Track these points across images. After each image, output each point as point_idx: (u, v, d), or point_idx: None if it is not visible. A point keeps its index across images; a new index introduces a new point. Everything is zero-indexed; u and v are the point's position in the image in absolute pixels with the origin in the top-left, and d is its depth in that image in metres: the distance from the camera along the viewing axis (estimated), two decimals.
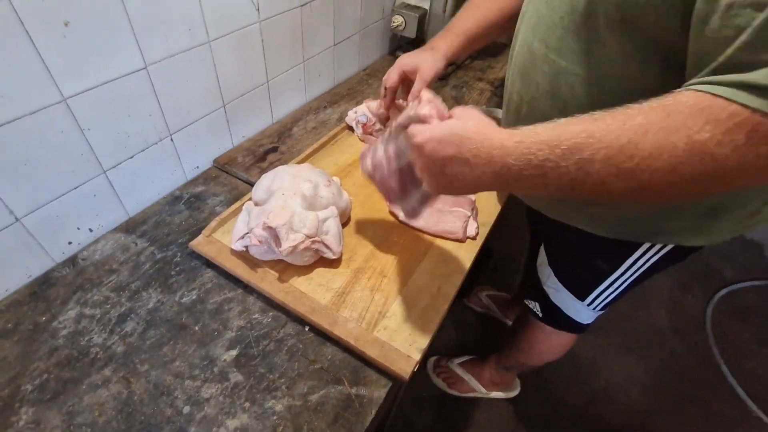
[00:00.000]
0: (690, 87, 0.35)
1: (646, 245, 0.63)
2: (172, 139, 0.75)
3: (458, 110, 0.47)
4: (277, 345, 0.59)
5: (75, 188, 0.63)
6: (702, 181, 0.35)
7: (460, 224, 0.73)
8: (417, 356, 0.57)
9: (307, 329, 0.61)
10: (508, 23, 0.72)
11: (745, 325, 1.60)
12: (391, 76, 0.76)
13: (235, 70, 0.81)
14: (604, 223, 0.61)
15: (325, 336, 0.60)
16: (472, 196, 0.77)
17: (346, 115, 0.95)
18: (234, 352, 0.57)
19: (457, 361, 1.27)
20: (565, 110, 0.53)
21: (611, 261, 0.67)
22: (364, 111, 0.91)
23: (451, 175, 0.44)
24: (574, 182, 0.37)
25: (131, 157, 0.69)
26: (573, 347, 0.96)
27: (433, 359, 1.31)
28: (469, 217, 0.74)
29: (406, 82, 0.76)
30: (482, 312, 1.49)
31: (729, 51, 0.33)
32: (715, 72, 0.34)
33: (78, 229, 0.67)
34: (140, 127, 0.68)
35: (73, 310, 0.59)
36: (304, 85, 1.03)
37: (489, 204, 0.81)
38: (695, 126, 0.33)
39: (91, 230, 0.69)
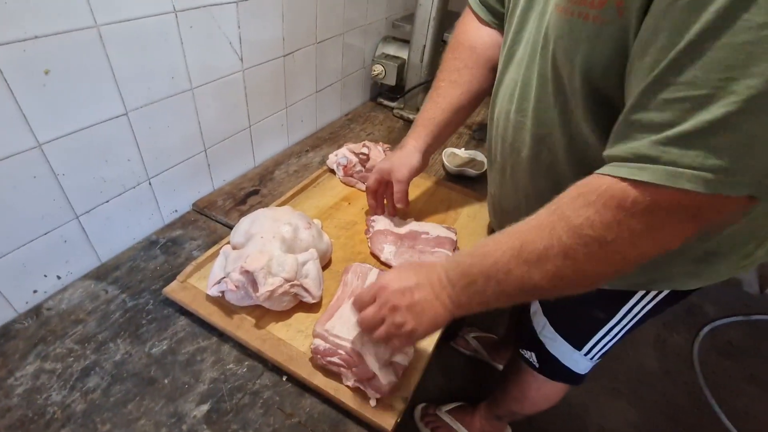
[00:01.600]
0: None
1: (642, 292, 0.62)
2: (150, 184, 0.74)
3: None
4: (252, 398, 0.55)
5: (44, 234, 0.61)
6: (601, 260, 0.38)
7: None
8: (400, 406, 0.54)
9: (284, 379, 0.58)
10: (475, 103, 0.74)
11: (732, 363, 1.60)
12: (370, 182, 0.78)
13: (217, 115, 0.82)
14: None
15: (303, 386, 0.57)
16: (454, 236, 0.77)
17: (328, 159, 0.96)
18: (205, 407, 0.53)
19: (446, 408, 1.22)
20: (548, 174, 0.55)
21: (607, 309, 0.66)
22: (344, 153, 0.92)
23: (419, 302, 0.48)
24: (502, 292, 0.44)
25: (106, 202, 0.68)
26: (565, 393, 0.94)
27: (420, 407, 1.25)
28: None
29: (388, 185, 0.77)
30: (470, 355, 1.45)
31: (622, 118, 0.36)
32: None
33: (45, 276, 0.64)
34: (117, 172, 0.68)
35: (32, 365, 0.55)
36: (286, 130, 1.05)
37: (470, 243, 0.81)
38: (573, 212, 0.38)
39: (59, 277, 0.66)
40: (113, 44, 0.59)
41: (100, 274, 0.69)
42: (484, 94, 0.73)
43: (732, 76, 0.30)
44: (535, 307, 0.77)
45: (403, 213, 0.83)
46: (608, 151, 0.38)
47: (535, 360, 0.80)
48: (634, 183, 0.35)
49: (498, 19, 0.69)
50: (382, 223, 0.79)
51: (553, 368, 0.78)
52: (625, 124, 0.37)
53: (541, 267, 0.41)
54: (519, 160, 0.59)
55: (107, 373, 0.56)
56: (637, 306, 0.64)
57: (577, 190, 0.39)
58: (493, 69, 0.67)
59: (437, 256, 0.74)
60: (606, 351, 0.73)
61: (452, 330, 1.43)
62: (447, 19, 1.20)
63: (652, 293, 0.62)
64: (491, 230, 0.85)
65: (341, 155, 0.93)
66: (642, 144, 0.34)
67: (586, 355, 0.73)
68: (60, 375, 0.55)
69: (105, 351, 0.58)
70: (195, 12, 0.68)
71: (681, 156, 0.33)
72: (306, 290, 0.62)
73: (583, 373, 0.77)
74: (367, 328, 0.52)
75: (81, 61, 0.56)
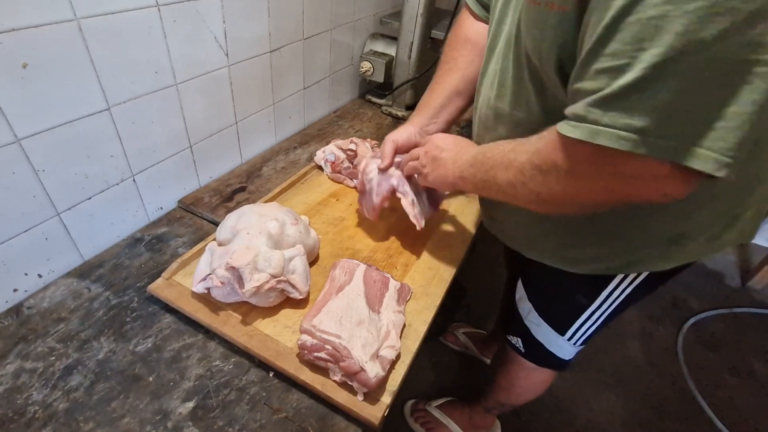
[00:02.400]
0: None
1: (620, 277, 0.65)
2: (134, 180, 0.73)
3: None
4: (239, 394, 0.55)
5: (25, 231, 0.60)
6: (539, 184, 0.47)
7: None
8: (387, 400, 0.55)
9: (271, 375, 0.58)
10: (471, 91, 0.75)
11: (715, 355, 1.63)
12: (387, 152, 0.74)
13: (202, 111, 0.81)
14: (578, 262, 0.64)
15: (290, 382, 0.57)
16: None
17: (315, 155, 0.96)
18: (191, 404, 0.53)
19: (435, 403, 1.22)
20: None
21: (588, 295, 0.69)
22: (332, 150, 0.92)
23: (442, 159, 0.64)
24: (483, 180, 0.56)
25: (89, 199, 0.67)
26: (552, 385, 0.95)
27: (410, 403, 1.26)
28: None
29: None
30: (460, 350, 1.46)
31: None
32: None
33: (26, 275, 0.63)
34: (100, 168, 0.67)
35: (12, 364, 0.54)
36: (273, 127, 1.04)
37: (457, 240, 0.82)
38: (534, 143, 0.47)
39: (40, 276, 0.65)
40: (94, 38, 0.58)
41: (83, 272, 0.68)
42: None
43: (642, 47, 0.34)
44: (521, 293, 0.79)
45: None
46: (570, 101, 0.43)
47: (522, 345, 0.82)
48: (567, 137, 0.41)
49: (487, 14, 0.72)
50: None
51: (538, 354, 0.80)
52: (571, 92, 0.42)
53: (507, 172, 0.51)
54: None
55: (90, 371, 0.55)
56: (616, 291, 0.66)
57: (547, 130, 0.46)
58: None
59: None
60: (588, 337, 0.75)
61: (442, 325, 1.44)
62: (434, 17, 1.20)
63: (629, 278, 0.64)
64: (480, 221, 0.86)
65: (329, 152, 0.93)
66: (578, 106, 0.39)
67: (569, 340, 0.75)
68: (41, 374, 0.54)
69: (88, 349, 0.57)
70: (178, 6, 0.67)
71: (601, 116, 0.37)
72: (293, 286, 0.62)
73: (567, 359, 0.80)
74: (408, 158, 0.71)
75: (60, 55, 0.55)
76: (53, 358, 0.56)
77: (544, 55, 0.47)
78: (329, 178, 0.94)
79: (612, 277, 0.65)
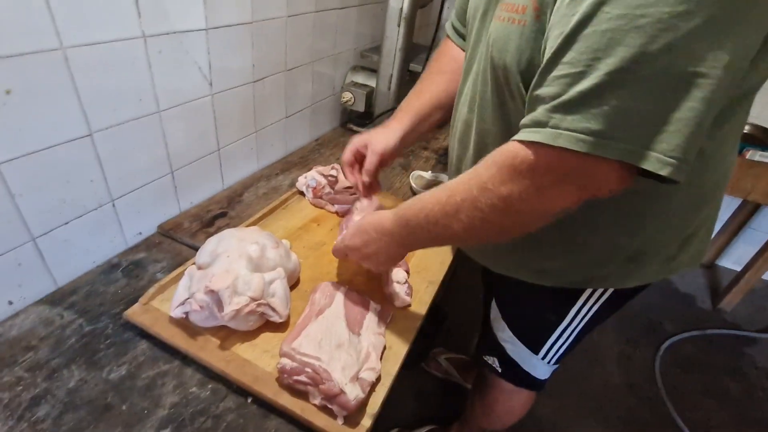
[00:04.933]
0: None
1: (587, 294, 0.68)
2: (113, 205, 0.73)
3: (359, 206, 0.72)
4: (215, 422, 0.54)
5: None
6: (502, 212, 0.46)
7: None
8: (368, 423, 0.54)
9: (249, 401, 0.57)
10: (451, 102, 0.79)
11: (690, 377, 1.66)
12: (346, 154, 0.79)
13: (185, 138, 0.82)
14: (547, 274, 0.66)
15: (268, 408, 0.56)
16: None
17: (297, 181, 0.98)
18: None
19: None
20: None
21: (558, 311, 0.71)
22: (313, 176, 0.94)
23: (372, 253, 0.63)
24: (432, 238, 0.55)
25: (66, 224, 0.66)
26: (534, 411, 0.95)
27: None
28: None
29: (360, 158, 0.79)
30: (442, 377, 1.45)
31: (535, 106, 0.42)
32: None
33: None
34: (79, 194, 0.67)
35: None
36: (256, 154, 1.06)
37: (435, 262, 0.84)
38: (484, 171, 0.46)
39: (10, 303, 0.63)
40: (79, 66, 0.59)
41: (56, 298, 0.66)
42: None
43: (597, 56, 0.36)
44: (495, 313, 0.80)
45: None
46: (521, 122, 0.44)
47: (498, 365, 0.83)
48: (527, 144, 0.42)
49: (463, 42, 0.78)
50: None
51: (514, 373, 0.81)
52: (530, 100, 0.44)
53: (458, 217, 0.49)
54: (468, 156, 0.66)
55: (59, 401, 0.53)
56: (584, 307, 0.69)
57: (492, 154, 0.46)
58: None
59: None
60: (560, 355, 0.77)
61: (423, 350, 1.43)
62: (412, 51, 1.26)
63: (596, 294, 0.67)
64: (456, 250, 0.88)
65: (310, 177, 0.95)
66: (537, 113, 0.41)
67: (543, 359, 0.77)
68: (7, 405, 0.52)
69: (58, 378, 0.55)
70: (164, 38, 0.70)
71: (562, 120, 0.39)
72: (273, 309, 0.62)
73: (542, 378, 0.81)
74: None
75: (44, 82, 0.56)
76: (20, 388, 0.54)
77: (508, 67, 0.51)
78: (310, 203, 0.95)
79: (579, 295, 0.68)
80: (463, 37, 0.78)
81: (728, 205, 2.12)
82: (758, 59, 0.40)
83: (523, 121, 0.43)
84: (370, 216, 0.63)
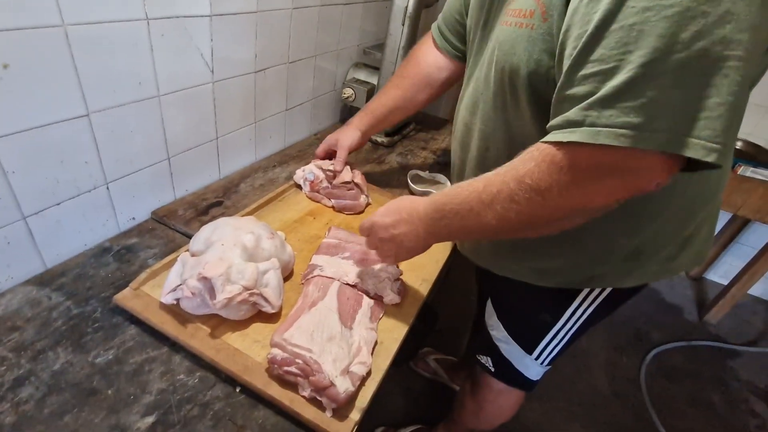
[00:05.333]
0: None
1: (583, 294, 0.68)
2: (108, 188, 0.72)
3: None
4: (202, 410, 0.53)
5: None
6: (538, 206, 0.45)
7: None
8: (356, 417, 0.54)
9: (238, 390, 0.56)
10: (408, 107, 0.92)
11: (675, 386, 1.68)
12: (319, 151, 0.98)
13: (183, 125, 0.82)
14: (545, 273, 0.67)
15: (256, 398, 0.56)
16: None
17: (295, 174, 0.97)
18: (150, 419, 0.51)
19: (404, 431, 1.20)
20: (493, 167, 0.60)
21: (553, 312, 0.72)
22: (311, 169, 0.94)
23: (399, 235, 0.60)
24: (463, 227, 0.54)
25: (57, 204, 0.65)
26: (521, 415, 0.96)
27: (379, 430, 1.23)
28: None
29: (332, 153, 0.96)
30: (430, 377, 1.45)
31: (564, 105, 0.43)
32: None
33: None
34: (73, 174, 0.66)
35: None
36: (254, 145, 1.05)
37: (430, 261, 0.84)
38: (521, 166, 0.46)
39: None
40: (80, 45, 0.58)
41: (45, 279, 0.65)
42: (415, 102, 0.91)
43: (628, 50, 0.37)
44: (491, 313, 0.81)
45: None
46: (549, 125, 0.45)
47: (491, 365, 0.83)
48: (565, 144, 0.41)
49: (449, 48, 0.84)
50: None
51: (507, 373, 0.82)
52: (558, 100, 0.44)
53: (493, 207, 0.49)
54: (470, 158, 0.68)
55: (43, 383, 0.52)
56: (579, 309, 0.69)
57: (528, 151, 0.47)
58: (429, 84, 0.88)
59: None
60: (554, 356, 0.77)
61: (413, 349, 1.43)
62: None
63: (592, 296, 0.67)
64: (453, 247, 0.88)
65: (308, 171, 0.94)
66: (570, 112, 0.41)
67: (536, 359, 0.77)
68: None
69: (43, 360, 0.54)
70: (167, 21, 0.69)
71: (599, 117, 0.39)
72: (265, 299, 0.61)
73: (534, 379, 0.81)
74: (362, 254, 0.73)
75: (44, 59, 0.55)
76: (3, 368, 0.53)
77: (515, 68, 0.52)
78: (307, 196, 0.95)
79: (575, 296, 0.68)
80: (447, 41, 0.84)
81: (718, 220, 2.15)
82: None
83: (554, 122, 0.43)
84: (405, 198, 0.62)
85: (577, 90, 0.41)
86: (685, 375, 1.74)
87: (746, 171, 1.60)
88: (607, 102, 0.38)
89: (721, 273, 2.29)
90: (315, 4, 1.05)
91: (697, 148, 0.37)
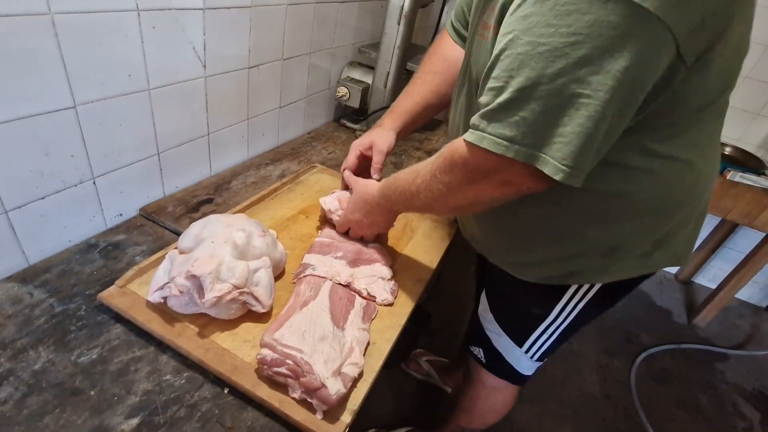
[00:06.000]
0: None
1: (572, 290, 0.69)
2: (94, 183, 0.70)
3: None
4: (189, 411, 0.52)
5: None
6: (446, 195, 0.56)
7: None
8: (347, 419, 0.53)
9: (226, 391, 0.55)
10: (441, 103, 0.85)
11: (664, 389, 1.69)
12: (350, 159, 0.83)
13: (174, 119, 0.80)
14: (526, 268, 0.69)
15: (245, 399, 0.54)
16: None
17: (288, 173, 0.95)
18: (135, 421, 0.49)
19: None
20: None
21: (543, 306, 0.73)
22: (333, 201, 0.82)
23: (371, 221, 0.75)
24: (406, 206, 0.67)
25: (42, 198, 0.63)
26: (512, 417, 0.95)
27: None
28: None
29: (363, 161, 0.84)
30: (422, 379, 1.44)
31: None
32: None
33: None
34: (58, 167, 0.64)
35: None
36: (246, 142, 1.04)
37: (424, 260, 0.83)
38: (435, 159, 0.57)
39: None
40: (67, 34, 0.57)
41: (27, 276, 0.63)
42: (448, 98, 0.83)
43: (512, 75, 0.44)
44: (484, 304, 0.82)
45: None
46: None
47: (483, 356, 0.85)
48: (466, 142, 0.50)
49: (462, 43, 0.82)
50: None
51: (498, 365, 0.83)
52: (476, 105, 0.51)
53: (419, 196, 0.61)
54: None
55: (23, 382, 0.50)
56: (569, 304, 0.71)
57: (445, 146, 0.55)
58: None
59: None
60: (544, 352, 0.78)
61: (405, 350, 1.43)
62: (410, 50, 1.26)
63: (581, 292, 0.69)
64: (447, 247, 0.87)
65: (330, 202, 0.82)
66: (475, 116, 0.48)
67: (527, 353, 0.78)
68: None
69: (23, 359, 0.53)
70: (159, 13, 0.68)
71: (487, 126, 0.46)
72: (256, 298, 0.60)
73: (526, 374, 0.83)
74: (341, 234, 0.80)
75: (29, 47, 0.54)
76: None
77: (478, 77, 0.57)
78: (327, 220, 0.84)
79: (564, 291, 0.69)
80: (461, 37, 0.82)
81: (707, 224, 2.17)
82: (687, 79, 0.45)
83: (470, 120, 0.50)
84: (359, 191, 0.75)
85: (482, 99, 0.48)
86: (674, 378, 1.76)
87: (735, 176, 1.62)
88: (494, 114, 0.45)
89: (709, 277, 2.32)
90: (311, 0, 1.04)
91: (550, 166, 0.44)
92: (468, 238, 0.81)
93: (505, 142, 0.45)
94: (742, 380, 1.81)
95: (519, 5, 0.44)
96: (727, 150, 1.84)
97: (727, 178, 1.64)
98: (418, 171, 0.61)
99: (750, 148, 1.87)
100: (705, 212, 0.67)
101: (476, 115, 0.48)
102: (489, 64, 0.47)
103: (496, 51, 0.46)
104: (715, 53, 0.44)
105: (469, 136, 0.48)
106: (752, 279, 1.93)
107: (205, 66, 0.81)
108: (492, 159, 0.47)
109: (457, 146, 0.52)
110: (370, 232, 0.77)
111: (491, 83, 0.46)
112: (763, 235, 1.80)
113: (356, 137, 1.30)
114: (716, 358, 1.90)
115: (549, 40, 0.40)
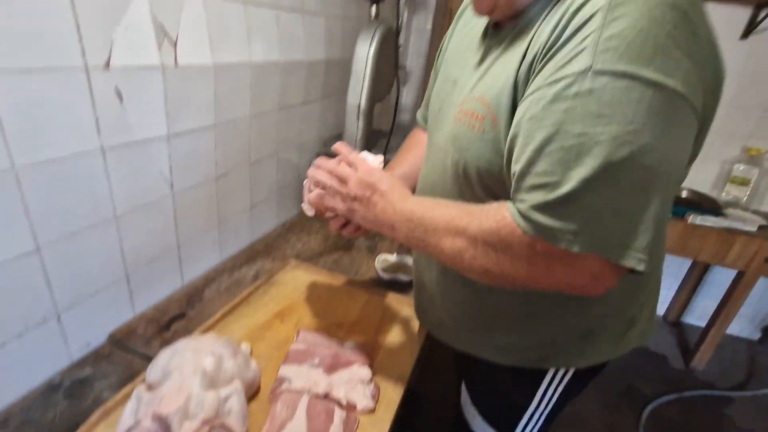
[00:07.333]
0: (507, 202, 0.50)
1: (551, 373, 0.68)
2: (59, 319, 0.69)
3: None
4: None
5: None
6: (484, 258, 0.50)
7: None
8: None
9: None
10: (414, 177, 0.84)
11: None
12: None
13: (142, 239, 0.81)
14: (503, 350, 0.67)
15: None
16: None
17: (262, 272, 0.96)
18: None
19: None
20: None
21: (525, 394, 0.71)
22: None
23: (373, 201, 0.61)
24: (421, 238, 0.56)
25: (1, 347, 0.61)
26: None
27: None
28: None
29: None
30: None
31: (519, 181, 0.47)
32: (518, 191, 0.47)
33: None
34: (18, 310, 0.63)
35: None
36: (218, 246, 1.05)
37: (403, 354, 0.82)
38: (486, 221, 0.49)
39: None
40: (31, 184, 0.59)
41: None
42: None
43: (569, 167, 0.42)
44: (465, 397, 0.79)
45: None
46: (515, 200, 0.48)
47: None
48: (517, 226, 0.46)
49: None
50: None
51: None
52: (514, 193, 0.48)
53: (454, 240, 0.52)
54: None
55: None
56: (551, 388, 0.69)
57: (496, 209, 0.50)
58: None
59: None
60: None
61: None
62: (372, 138, 1.34)
63: (560, 374, 0.68)
64: (426, 336, 0.87)
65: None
66: (523, 206, 0.46)
67: None
68: None
69: None
70: (124, 148, 0.71)
71: (541, 219, 0.44)
72: (228, 429, 0.57)
73: None
74: (327, 175, 0.66)
75: None
76: None
77: (468, 165, 0.57)
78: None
79: (543, 376, 0.68)
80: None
81: (682, 264, 2.23)
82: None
83: (518, 205, 0.47)
84: (391, 185, 0.61)
85: (525, 196, 0.46)
86: (682, 428, 1.69)
87: (696, 219, 1.70)
88: (548, 209, 0.43)
89: (697, 315, 2.33)
90: (273, 108, 1.11)
91: (630, 258, 0.42)
92: (428, 326, 0.78)
93: (568, 236, 0.43)
94: (751, 423, 1.75)
95: (553, 99, 0.42)
96: (684, 193, 1.94)
97: (689, 221, 1.71)
98: (461, 213, 0.52)
99: (704, 189, 1.98)
100: (658, 290, 0.70)
101: (525, 205, 0.45)
102: (524, 161, 0.45)
103: (527, 144, 0.44)
104: (702, 137, 0.48)
105: (520, 221, 0.46)
106: (738, 313, 1.95)
107: (172, 185, 0.84)
108: (548, 249, 0.44)
109: (507, 223, 0.47)
110: (342, 211, 0.65)
111: (534, 180, 0.44)
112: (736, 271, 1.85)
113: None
114: (722, 402, 1.86)
115: (606, 128, 0.40)
